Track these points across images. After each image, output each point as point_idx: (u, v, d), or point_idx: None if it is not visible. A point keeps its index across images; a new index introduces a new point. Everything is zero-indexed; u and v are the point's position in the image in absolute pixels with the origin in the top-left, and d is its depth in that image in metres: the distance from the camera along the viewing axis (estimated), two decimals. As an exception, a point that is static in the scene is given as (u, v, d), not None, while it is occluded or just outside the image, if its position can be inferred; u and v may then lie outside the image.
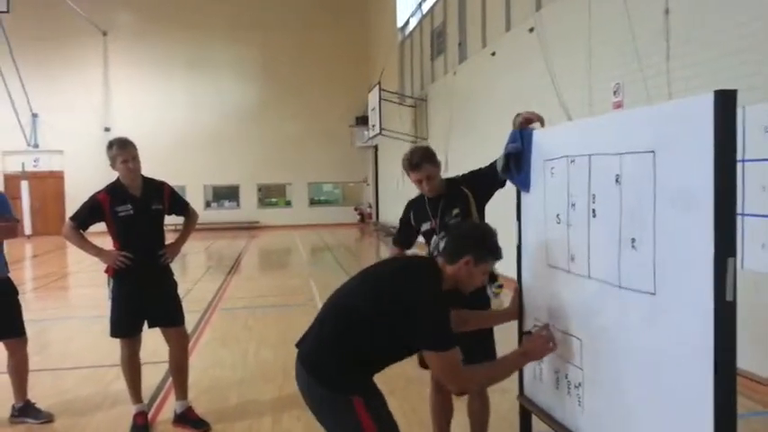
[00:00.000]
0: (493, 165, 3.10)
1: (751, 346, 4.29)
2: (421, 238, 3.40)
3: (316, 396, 2.31)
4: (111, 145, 3.91)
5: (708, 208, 1.66)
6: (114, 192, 3.92)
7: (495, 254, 2.40)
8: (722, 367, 1.64)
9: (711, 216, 1.65)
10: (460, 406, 3.33)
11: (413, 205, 3.43)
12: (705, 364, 1.66)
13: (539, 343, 2.45)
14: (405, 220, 3.46)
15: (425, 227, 3.29)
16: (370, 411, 2.22)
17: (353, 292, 2.39)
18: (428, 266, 2.41)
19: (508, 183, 2.97)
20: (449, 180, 3.35)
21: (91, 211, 3.90)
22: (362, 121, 21.76)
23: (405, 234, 3.47)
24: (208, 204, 24.63)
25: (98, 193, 3.94)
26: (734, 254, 1.64)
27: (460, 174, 3.37)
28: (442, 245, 3.13)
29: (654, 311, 1.87)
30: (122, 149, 3.86)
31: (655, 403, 1.88)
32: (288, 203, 25.78)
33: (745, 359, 4.34)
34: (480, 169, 3.28)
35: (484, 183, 3.22)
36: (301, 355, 2.37)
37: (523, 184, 2.72)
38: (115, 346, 4.04)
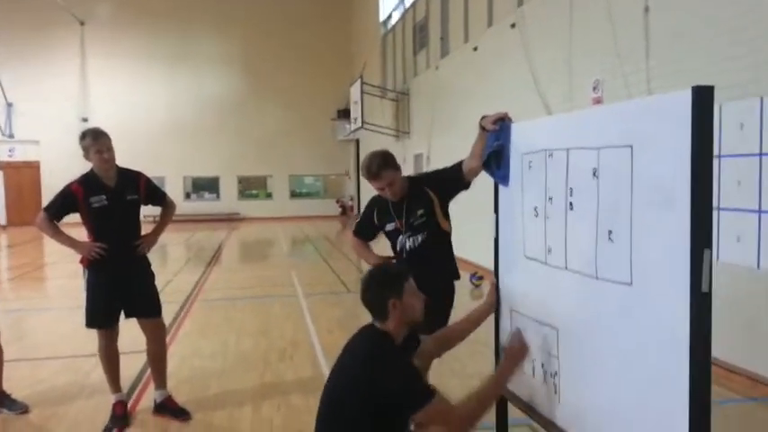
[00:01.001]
0: (458, 165, 3.11)
1: (726, 336, 4.39)
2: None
3: None
4: (84, 135, 3.86)
5: (684, 201, 1.69)
6: (88, 182, 3.87)
7: (401, 274, 2.39)
8: (697, 356, 1.68)
9: (688, 209, 1.68)
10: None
11: (376, 204, 3.42)
12: (681, 353, 1.70)
13: (516, 350, 2.51)
14: (367, 216, 3.46)
15: (390, 227, 3.29)
16: None
17: (328, 404, 2.35)
18: (374, 341, 2.35)
19: (485, 177, 2.98)
20: (411, 179, 3.34)
21: (64, 202, 3.86)
22: (344, 114, 21.71)
23: (367, 229, 3.49)
24: (187, 196, 24.44)
25: (72, 183, 3.89)
26: (710, 246, 1.68)
27: (424, 172, 3.38)
28: (408, 244, 3.20)
29: (630, 302, 1.91)
30: (96, 140, 3.82)
31: (630, 392, 1.92)
32: (269, 195, 25.67)
33: (721, 349, 4.45)
34: (445, 170, 3.25)
35: (448, 185, 3.23)
36: None
37: (503, 179, 2.75)
38: (93, 337, 4.01)
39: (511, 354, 2.52)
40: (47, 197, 4.16)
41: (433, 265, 3.16)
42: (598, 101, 6.47)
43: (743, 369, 4.47)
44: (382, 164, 3.16)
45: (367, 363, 2.27)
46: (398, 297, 2.31)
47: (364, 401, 2.21)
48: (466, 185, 3.16)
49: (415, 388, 2.22)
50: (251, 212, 24.49)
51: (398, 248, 3.29)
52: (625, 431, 1.95)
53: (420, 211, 3.20)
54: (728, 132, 4.43)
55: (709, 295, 1.68)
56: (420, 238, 3.21)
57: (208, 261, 12.21)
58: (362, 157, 18.52)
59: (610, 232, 2.00)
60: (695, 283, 1.67)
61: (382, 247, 3.53)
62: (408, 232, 3.23)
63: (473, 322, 2.82)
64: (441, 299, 3.17)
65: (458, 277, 3.38)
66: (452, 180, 3.18)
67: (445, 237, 3.30)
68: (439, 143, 12.45)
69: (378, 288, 2.36)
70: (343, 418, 2.28)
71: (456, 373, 4.35)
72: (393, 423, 2.30)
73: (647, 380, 1.85)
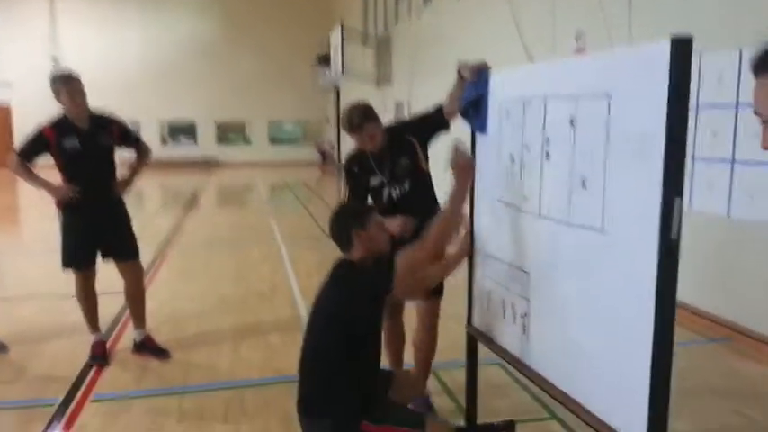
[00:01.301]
0: (440, 107, 3.10)
1: (693, 280, 4.54)
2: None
3: None
4: (54, 78, 3.79)
5: (659, 151, 1.71)
6: (60, 126, 3.82)
7: (366, 211, 2.55)
8: (663, 299, 1.74)
9: (662, 158, 1.70)
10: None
11: (355, 163, 3.26)
12: (647, 297, 1.76)
13: (463, 165, 2.56)
14: (354, 179, 3.27)
15: (375, 182, 3.21)
16: (381, 423, 2.30)
17: (312, 332, 2.47)
18: (342, 264, 2.50)
19: (462, 124, 2.99)
20: (390, 129, 3.26)
21: (36, 145, 3.80)
22: (325, 60, 21.30)
23: (357, 195, 3.29)
24: (164, 141, 24.02)
25: (44, 126, 3.83)
26: (681, 195, 1.71)
27: (401, 120, 3.31)
28: (395, 194, 3.18)
29: (601, 248, 1.97)
30: (67, 83, 3.75)
31: (597, 333, 2.00)
32: (247, 141, 25.36)
33: (687, 293, 4.61)
34: (426, 114, 3.21)
35: (429, 128, 3.19)
36: (300, 409, 2.42)
37: (481, 127, 2.76)
38: (71, 278, 4.03)
39: (459, 170, 2.55)
40: (19, 139, 4.09)
41: (420, 209, 3.12)
42: (581, 50, 6.44)
43: (705, 312, 4.65)
44: (363, 116, 3.08)
45: (338, 279, 2.45)
46: (362, 228, 2.44)
47: (341, 321, 2.34)
48: (447, 126, 3.14)
49: (377, 269, 2.39)
50: (229, 158, 24.21)
51: (384, 200, 3.21)
52: (591, 370, 2.04)
53: (405, 161, 3.16)
54: (707, 82, 4.47)
55: (678, 242, 1.72)
56: (406, 186, 3.19)
57: (185, 206, 12.14)
58: (343, 104, 18.12)
59: (584, 180, 2.04)
60: (665, 230, 1.72)
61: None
62: (394, 182, 3.19)
63: (447, 267, 2.88)
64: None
65: None
66: (433, 122, 3.16)
67: (428, 179, 3.29)
68: (420, 91, 12.34)
69: (342, 220, 2.51)
70: (322, 349, 2.38)
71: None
72: (374, 324, 2.44)
73: (613, 322, 1.92)
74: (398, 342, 3.40)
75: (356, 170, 3.26)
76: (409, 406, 3.09)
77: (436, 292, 3.18)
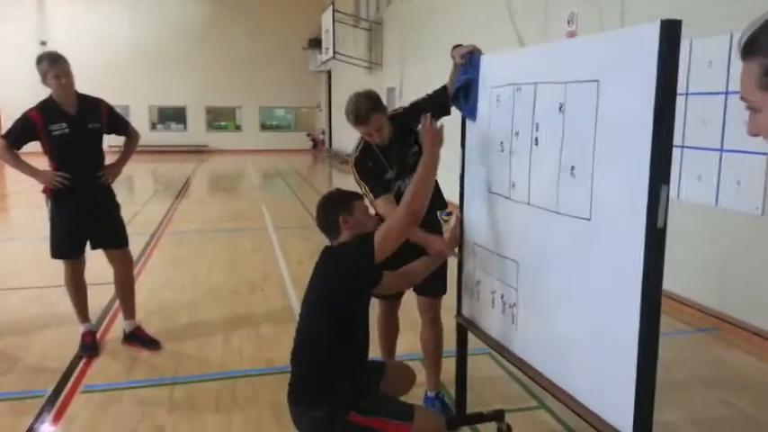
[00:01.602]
0: (441, 90, 2.97)
1: (682, 271, 4.55)
2: None
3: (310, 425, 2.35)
4: (40, 59, 3.71)
5: (646, 137, 1.70)
6: (47, 109, 3.74)
7: (352, 196, 2.53)
8: (649, 289, 1.74)
9: (649, 145, 1.69)
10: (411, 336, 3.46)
11: (365, 157, 3.01)
12: (634, 286, 1.75)
13: (432, 134, 2.49)
14: (374, 175, 2.98)
15: (388, 176, 3.02)
16: (370, 414, 2.28)
17: (303, 321, 2.47)
18: (332, 248, 2.50)
19: (453, 110, 2.94)
20: (393, 118, 3.06)
21: (23, 130, 3.73)
22: (316, 43, 21.14)
23: (382, 183, 2.99)
24: (153, 126, 23.87)
25: (30, 110, 3.76)
26: (667, 182, 1.70)
27: (404, 107, 3.12)
28: (404, 185, 2.94)
29: (588, 236, 1.96)
30: (53, 64, 3.67)
31: (585, 322, 2.00)
32: (238, 127, 25.24)
33: (675, 283, 4.63)
34: (426, 99, 3.06)
35: (435, 111, 2.87)
36: (290, 398, 2.42)
37: (471, 113, 2.73)
38: (60, 267, 3.99)
39: (428, 137, 2.49)
40: (6, 124, 4.02)
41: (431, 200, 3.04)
42: (572, 34, 6.40)
43: (693, 302, 4.66)
44: (371, 107, 2.87)
45: (324, 266, 2.45)
46: (349, 213, 2.45)
47: (330, 292, 2.36)
48: (447, 111, 2.98)
49: (358, 251, 2.37)
50: (220, 144, 24.09)
51: (394, 195, 2.99)
52: (578, 359, 2.04)
53: (414, 149, 3.00)
54: (697, 69, 4.45)
55: (663, 230, 1.72)
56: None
57: (176, 193, 12.07)
58: (334, 89, 18.03)
59: (572, 168, 2.02)
60: (651, 218, 1.71)
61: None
62: (404, 174, 3.00)
63: (436, 257, 2.86)
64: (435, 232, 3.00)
65: (446, 206, 3.28)
66: (435, 107, 2.92)
67: None
68: (411, 76, 12.27)
69: (329, 207, 2.51)
70: (313, 332, 2.39)
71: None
72: (361, 299, 2.45)
73: (601, 311, 1.92)
74: (392, 334, 3.38)
75: (370, 164, 3.00)
76: (422, 401, 3.11)
77: (433, 292, 3.13)
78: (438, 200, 3.20)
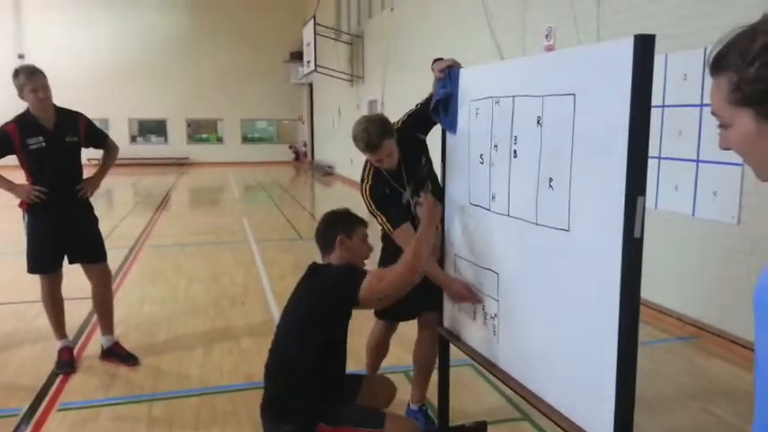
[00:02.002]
0: (428, 99, 2.87)
1: (661, 280, 4.60)
2: None
3: None
4: (17, 73, 3.68)
5: (622, 149, 1.72)
6: (24, 123, 3.71)
7: (358, 220, 2.53)
8: (627, 298, 1.75)
9: (625, 157, 1.72)
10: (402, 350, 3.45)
11: (379, 183, 2.88)
12: (611, 295, 1.77)
13: (430, 207, 2.47)
14: (390, 199, 2.87)
15: (405, 198, 2.92)
16: (338, 424, 2.29)
17: (280, 336, 2.45)
18: (318, 267, 2.50)
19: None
20: (397, 134, 2.93)
21: None
22: (297, 56, 21.16)
23: (399, 207, 2.88)
24: (133, 139, 23.69)
25: (6, 124, 3.72)
26: (643, 193, 1.73)
27: (402, 120, 3.01)
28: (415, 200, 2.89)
29: (567, 247, 1.97)
30: (30, 77, 3.64)
31: (564, 331, 2.01)
32: (219, 140, 25.13)
33: (655, 292, 4.68)
34: (420, 108, 2.96)
35: (428, 120, 2.92)
36: (263, 414, 2.42)
37: (451, 126, 2.74)
38: (37, 282, 3.93)
39: (428, 213, 2.47)
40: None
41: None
42: (550, 48, 6.48)
43: (672, 311, 4.71)
44: (382, 133, 2.74)
45: (308, 287, 2.43)
46: (347, 235, 2.47)
47: (310, 315, 2.34)
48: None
49: (347, 269, 2.38)
50: (201, 157, 23.95)
51: (412, 214, 2.87)
52: (559, 370, 2.05)
53: (423, 161, 2.97)
54: (672, 83, 4.53)
55: (641, 240, 1.74)
56: (428, 190, 2.90)
57: (156, 206, 11.96)
58: (316, 101, 18.01)
59: (551, 179, 2.04)
60: (628, 228, 1.73)
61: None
62: (419, 187, 2.92)
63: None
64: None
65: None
66: (427, 114, 2.85)
67: (437, 179, 3.02)
68: (393, 89, 12.33)
69: (332, 222, 2.53)
70: (291, 349, 2.37)
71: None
72: (339, 324, 2.43)
73: (579, 321, 1.93)
74: (380, 356, 3.32)
75: (387, 191, 2.87)
76: (404, 413, 3.08)
77: (437, 306, 3.09)
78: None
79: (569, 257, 1.96)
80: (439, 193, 2.87)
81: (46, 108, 3.73)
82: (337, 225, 2.51)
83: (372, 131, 2.74)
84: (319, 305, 2.36)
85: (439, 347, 2.98)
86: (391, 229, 2.80)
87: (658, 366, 3.96)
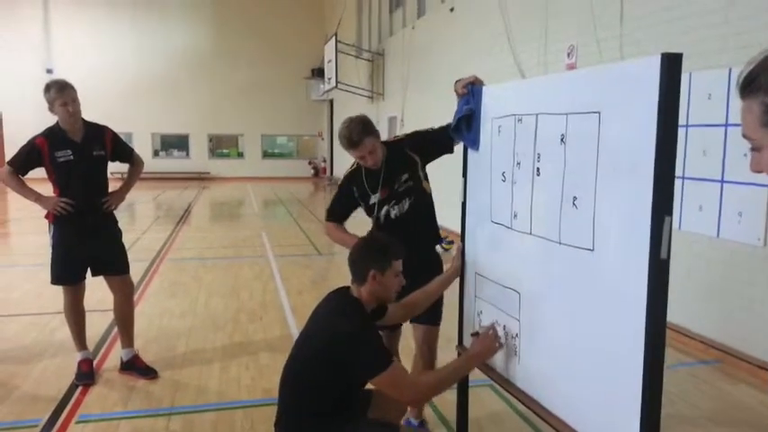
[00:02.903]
0: (445, 128, 3.00)
1: (684, 302, 4.53)
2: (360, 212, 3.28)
3: None
4: (48, 87, 3.75)
5: (648, 168, 1.70)
6: (53, 136, 3.78)
7: (393, 253, 2.44)
8: (653, 321, 1.71)
9: (651, 176, 1.69)
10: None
11: (353, 180, 3.16)
12: (637, 317, 1.73)
13: (488, 342, 2.50)
14: (345, 195, 3.20)
15: (373, 200, 3.10)
16: None
17: (296, 360, 2.41)
18: (345, 304, 2.42)
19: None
20: (388, 144, 3.17)
21: (29, 156, 3.76)
22: (318, 73, 21.38)
23: (344, 208, 3.23)
24: (156, 153, 24.01)
25: (36, 137, 3.80)
26: (670, 213, 1.70)
27: (401, 135, 3.21)
28: (393, 212, 3.08)
29: (591, 267, 1.94)
30: (61, 92, 3.71)
31: (587, 353, 1.97)
32: (240, 155, 25.36)
33: (678, 315, 4.60)
34: (429, 132, 3.15)
35: (433, 146, 3.10)
36: (277, 429, 2.40)
37: (473, 143, 2.74)
38: (59, 294, 3.98)
39: (480, 346, 2.51)
40: (10, 151, 4.03)
41: (418, 230, 3.09)
42: (572, 66, 6.47)
43: (696, 334, 4.62)
44: (363, 130, 2.98)
45: (334, 321, 2.33)
46: (380, 271, 2.38)
47: (330, 359, 2.26)
48: (451, 149, 3.07)
49: (375, 353, 2.27)
50: (222, 172, 24.19)
51: (382, 219, 3.10)
52: (581, 392, 2.01)
53: (405, 176, 3.07)
54: (696, 102, 4.49)
55: (667, 262, 1.71)
56: (406, 205, 3.08)
57: (177, 220, 12.08)
58: (336, 118, 18.30)
59: (575, 198, 2.02)
60: (654, 249, 1.70)
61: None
62: (393, 200, 3.08)
63: (439, 287, 2.86)
64: (428, 267, 3.07)
65: (439, 241, 3.37)
66: (438, 142, 3.06)
67: (429, 199, 3.19)
68: (413, 106, 12.37)
69: (366, 253, 2.44)
70: (306, 375, 2.32)
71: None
72: (352, 383, 2.35)
73: (603, 343, 1.89)
74: None
75: (353, 188, 3.14)
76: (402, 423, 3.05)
77: (432, 319, 3.13)
78: (433, 233, 3.26)
79: (593, 278, 1.93)
80: (420, 212, 3.11)
81: (75, 122, 3.80)
82: (371, 258, 2.41)
83: (354, 129, 2.98)
84: (331, 368, 2.27)
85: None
86: (325, 217, 3.27)
87: (682, 391, 3.87)
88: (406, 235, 2.74)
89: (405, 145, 3.15)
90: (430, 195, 3.21)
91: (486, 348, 2.50)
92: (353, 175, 3.18)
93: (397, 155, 3.10)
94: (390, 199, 3.08)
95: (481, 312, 2.72)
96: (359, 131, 2.97)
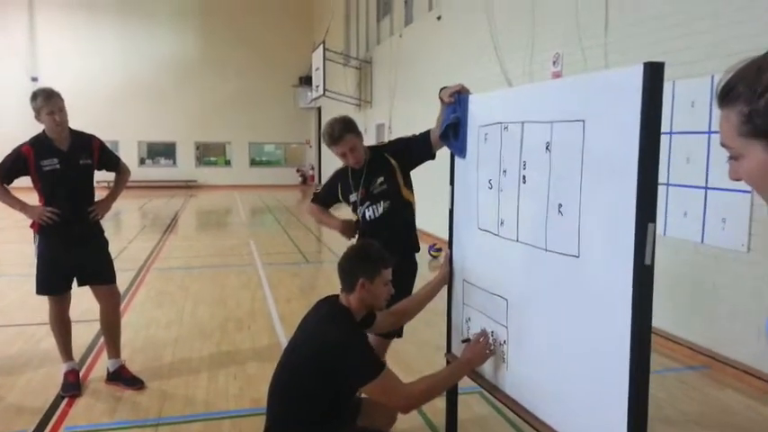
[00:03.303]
0: (425, 135, 3.12)
1: (669, 307, 4.56)
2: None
3: None
4: (35, 96, 3.73)
5: (632, 176, 1.72)
6: (39, 144, 3.75)
7: (382, 262, 2.45)
8: (638, 327, 1.73)
9: (635, 183, 1.72)
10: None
11: (339, 177, 3.40)
12: (623, 323, 1.75)
13: (478, 349, 2.51)
14: (330, 186, 3.48)
15: (352, 198, 3.29)
16: None
17: (285, 370, 2.40)
18: (334, 312, 2.42)
19: (443, 148, 3.00)
20: (372, 148, 3.35)
21: (14, 165, 3.73)
22: (306, 81, 21.40)
23: (326, 197, 3.52)
24: (142, 161, 23.89)
25: (22, 145, 3.77)
26: (654, 220, 1.72)
27: (386, 141, 3.38)
28: (368, 213, 3.21)
29: (577, 274, 1.96)
30: (48, 100, 3.69)
31: (574, 359, 1.99)
32: (227, 163, 25.29)
33: (664, 320, 4.63)
34: (411, 138, 3.25)
35: (413, 153, 3.21)
36: None
37: (460, 151, 2.76)
38: (44, 304, 3.94)
39: (471, 352, 2.52)
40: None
41: (392, 235, 3.15)
42: (557, 75, 6.52)
43: (683, 339, 4.66)
44: (344, 128, 3.16)
45: (323, 330, 2.34)
46: (369, 279, 2.39)
47: (319, 367, 2.26)
48: (432, 156, 3.16)
49: (365, 361, 2.27)
50: (209, 180, 24.10)
51: (360, 218, 3.29)
52: (569, 397, 2.02)
53: (380, 179, 3.19)
54: (680, 110, 4.54)
55: (651, 268, 1.73)
56: (381, 208, 3.20)
57: (164, 229, 12.00)
58: (324, 125, 18.21)
59: (560, 205, 2.04)
60: (639, 255, 1.72)
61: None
62: (368, 201, 3.21)
63: (427, 294, 2.86)
64: (401, 272, 3.07)
65: (417, 249, 3.39)
66: (417, 149, 3.17)
67: (407, 207, 3.28)
68: (400, 113, 12.41)
69: (356, 262, 2.44)
70: (295, 384, 2.31)
71: (411, 342, 4.41)
72: (342, 392, 2.34)
73: (590, 349, 1.91)
74: None
75: (338, 183, 3.39)
76: None
77: (395, 333, 3.17)
78: (409, 240, 3.29)
79: (579, 284, 1.95)
80: (395, 217, 3.23)
81: (61, 131, 3.77)
82: (360, 267, 2.41)
83: (335, 126, 3.17)
84: (320, 377, 2.26)
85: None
86: (311, 200, 3.56)
87: (669, 396, 3.90)
88: (380, 238, 2.78)
89: (386, 150, 3.30)
90: (410, 203, 3.30)
91: (476, 355, 2.51)
92: (342, 171, 3.39)
93: (377, 158, 3.25)
94: (365, 200, 3.23)
95: (469, 319, 2.73)
96: (340, 128, 3.16)
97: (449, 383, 2.58)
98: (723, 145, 0.98)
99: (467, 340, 2.64)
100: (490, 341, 2.51)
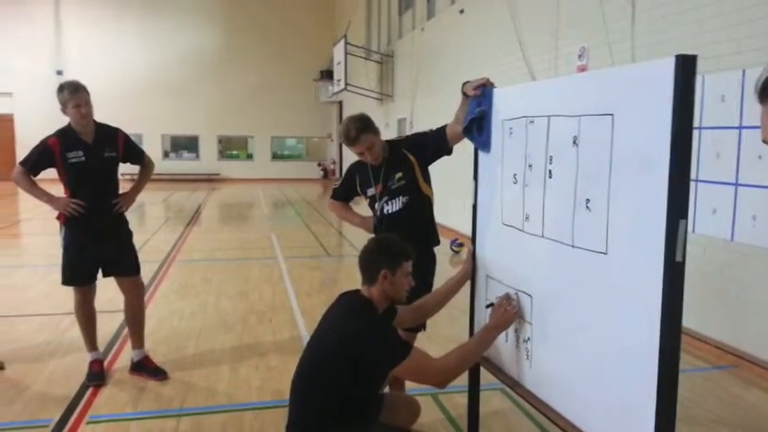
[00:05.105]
0: (442, 129, 3.10)
1: (698, 307, 4.48)
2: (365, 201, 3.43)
3: None
4: (61, 88, 3.76)
5: (663, 171, 1.68)
6: (65, 137, 3.79)
7: (404, 254, 2.46)
8: (668, 325, 1.70)
9: (666, 179, 1.67)
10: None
11: (357, 169, 3.40)
12: (652, 322, 1.71)
13: (503, 313, 2.47)
14: (348, 180, 3.46)
15: (370, 192, 3.29)
16: None
17: (308, 363, 2.41)
18: (357, 304, 2.44)
19: (468, 142, 2.97)
20: (391, 143, 3.33)
21: (41, 157, 3.78)
22: (327, 75, 21.40)
23: (345, 192, 3.52)
24: (166, 154, 24.13)
25: (49, 137, 3.81)
26: (685, 216, 1.68)
27: (404, 135, 3.35)
28: (387, 208, 3.20)
29: (605, 271, 1.93)
30: (74, 93, 3.72)
31: (601, 357, 1.95)
32: (249, 156, 25.44)
33: (692, 319, 4.55)
34: (427, 133, 3.24)
35: (429, 148, 3.20)
36: None
37: (484, 145, 2.73)
38: (70, 294, 3.99)
39: (497, 316, 2.48)
40: (21, 152, 4.05)
41: (411, 229, 3.12)
42: (583, 69, 6.43)
43: (710, 338, 4.58)
44: (361, 128, 3.13)
45: (347, 321, 2.35)
46: (391, 270, 2.41)
47: (343, 358, 2.26)
48: (449, 150, 3.15)
49: (393, 343, 2.29)
50: (231, 173, 24.28)
51: (378, 213, 3.27)
52: (594, 396, 1.99)
53: (398, 175, 3.17)
54: (709, 104, 4.45)
55: (682, 265, 1.69)
56: (399, 203, 3.19)
57: (187, 221, 12.12)
58: (341, 125, 18.37)
59: (587, 201, 2.00)
60: (669, 252, 1.68)
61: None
62: (386, 196, 3.20)
63: (450, 290, 2.84)
64: (420, 266, 3.13)
65: (437, 243, 3.37)
66: (434, 144, 3.15)
67: (425, 201, 3.27)
68: (422, 108, 12.36)
69: (377, 254, 2.46)
70: (319, 378, 2.31)
71: (433, 338, 4.39)
72: (367, 384, 2.34)
73: (617, 347, 1.88)
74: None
75: (356, 176, 3.38)
76: None
77: (417, 328, 3.14)
78: (428, 235, 3.27)
79: (607, 281, 1.91)
80: (413, 211, 3.19)
81: (87, 123, 3.81)
82: (382, 258, 2.43)
83: (352, 127, 3.13)
84: (346, 367, 2.27)
85: (469, 371, 2.93)
86: (330, 197, 3.57)
87: (696, 396, 3.83)
88: (399, 232, 2.76)
89: (403, 145, 3.28)
90: (428, 197, 3.28)
91: (503, 319, 2.45)
92: (360, 164, 3.36)
93: (395, 154, 3.23)
94: (384, 195, 3.21)
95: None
96: (357, 128, 3.12)
97: (480, 352, 2.51)
98: (765, 141, 0.94)
99: (491, 305, 2.59)
100: (514, 303, 2.47)
